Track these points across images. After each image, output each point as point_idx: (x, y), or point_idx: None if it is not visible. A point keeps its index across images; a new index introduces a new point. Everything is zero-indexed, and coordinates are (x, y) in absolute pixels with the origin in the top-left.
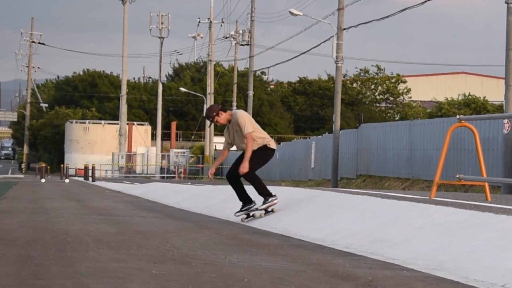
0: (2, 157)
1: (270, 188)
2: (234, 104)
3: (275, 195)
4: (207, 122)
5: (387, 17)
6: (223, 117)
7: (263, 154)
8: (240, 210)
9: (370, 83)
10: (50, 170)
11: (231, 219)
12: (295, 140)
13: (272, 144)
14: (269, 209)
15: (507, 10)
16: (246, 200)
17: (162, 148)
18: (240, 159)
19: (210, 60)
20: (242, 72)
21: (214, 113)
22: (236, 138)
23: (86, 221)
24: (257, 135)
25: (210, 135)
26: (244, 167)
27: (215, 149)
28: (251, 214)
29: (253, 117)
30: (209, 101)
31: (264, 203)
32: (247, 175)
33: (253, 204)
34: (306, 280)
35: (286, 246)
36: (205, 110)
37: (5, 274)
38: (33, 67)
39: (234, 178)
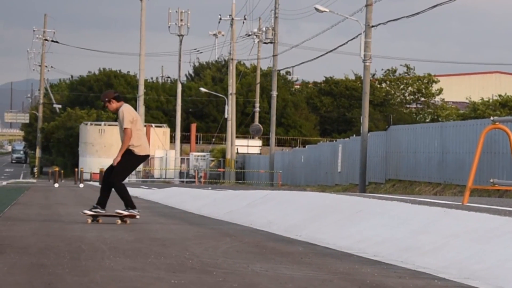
0: (13, 161)
1: (295, 193)
2: (257, 105)
3: (139, 212)
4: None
5: (417, 13)
6: (113, 106)
7: (126, 160)
8: (90, 209)
9: (399, 83)
10: (64, 174)
11: (254, 226)
12: (321, 143)
13: (141, 151)
14: (124, 219)
15: None
16: (102, 204)
17: (182, 152)
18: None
19: (232, 59)
20: (266, 71)
21: (107, 99)
22: (119, 131)
23: (101, 228)
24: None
25: (232, 138)
26: (115, 160)
27: (237, 152)
28: (98, 218)
29: (277, 119)
30: (231, 102)
31: (125, 210)
32: (114, 183)
33: (104, 211)
34: None
35: (311, 254)
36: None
37: (16, 284)
38: (46, 66)
39: (106, 181)
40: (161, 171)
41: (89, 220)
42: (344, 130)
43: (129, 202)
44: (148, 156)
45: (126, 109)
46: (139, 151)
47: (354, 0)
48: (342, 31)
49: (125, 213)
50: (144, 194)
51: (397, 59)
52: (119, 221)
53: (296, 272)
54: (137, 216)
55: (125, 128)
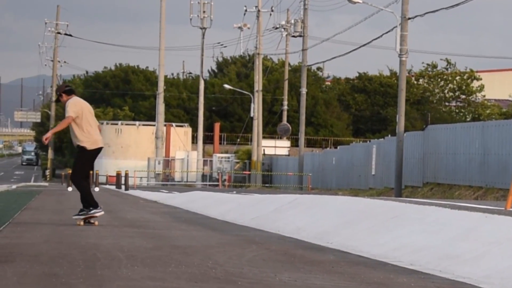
0: (24, 163)
1: (326, 197)
2: (285, 103)
3: (100, 207)
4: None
5: (457, 5)
6: (63, 99)
7: (81, 157)
8: (78, 214)
9: (438, 79)
10: None
11: (282, 233)
12: (354, 144)
13: (92, 145)
14: (91, 220)
15: None
16: (87, 204)
17: (204, 153)
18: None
19: (258, 54)
20: (294, 67)
21: (59, 92)
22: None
23: (118, 234)
24: (79, 131)
25: (258, 138)
26: (45, 136)
27: (264, 154)
28: (92, 220)
29: (306, 117)
30: (257, 99)
31: (80, 212)
32: (72, 179)
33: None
34: None
35: (343, 262)
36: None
37: None
38: (59, 61)
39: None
40: (182, 173)
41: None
42: (379, 130)
43: (90, 200)
44: (100, 148)
45: (72, 101)
46: (90, 146)
47: None
48: (377, 23)
49: (82, 217)
50: (164, 198)
51: (435, 53)
52: (82, 223)
53: (327, 282)
54: (97, 214)
55: (67, 116)
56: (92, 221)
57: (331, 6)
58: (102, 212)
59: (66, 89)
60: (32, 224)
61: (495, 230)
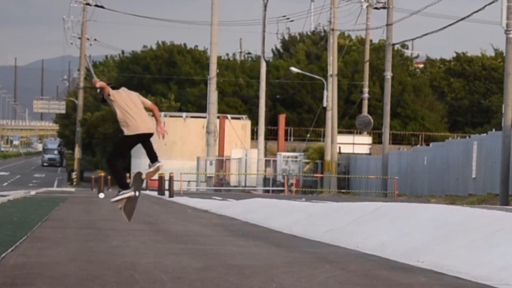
0: (45, 163)
1: (415, 206)
2: (366, 90)
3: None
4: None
5: None
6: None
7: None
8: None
9: None
10: (112, 181)
11: (362, 249)
12: (450, 140)
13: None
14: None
15: None
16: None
17: (266, 151)
18: None
19: (333, 30)
20: (377, 45)
21: (103, 94)
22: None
23: (161, 251)
24: None
25: (333, 133)
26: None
27: (340, 153)
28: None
29: (392, 108)
30: (332, 86)
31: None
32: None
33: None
34: None
35: (437, 286)
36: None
37: None
38: (88, 39)
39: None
40: (239, 177)
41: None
42: (480, 123)
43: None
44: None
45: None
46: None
47: None
48: None
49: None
50: (217, 207)
51: None
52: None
53: None
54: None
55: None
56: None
57: None
58: (132, 193)
59: (111, 85)
60: (55, 239)
61: None
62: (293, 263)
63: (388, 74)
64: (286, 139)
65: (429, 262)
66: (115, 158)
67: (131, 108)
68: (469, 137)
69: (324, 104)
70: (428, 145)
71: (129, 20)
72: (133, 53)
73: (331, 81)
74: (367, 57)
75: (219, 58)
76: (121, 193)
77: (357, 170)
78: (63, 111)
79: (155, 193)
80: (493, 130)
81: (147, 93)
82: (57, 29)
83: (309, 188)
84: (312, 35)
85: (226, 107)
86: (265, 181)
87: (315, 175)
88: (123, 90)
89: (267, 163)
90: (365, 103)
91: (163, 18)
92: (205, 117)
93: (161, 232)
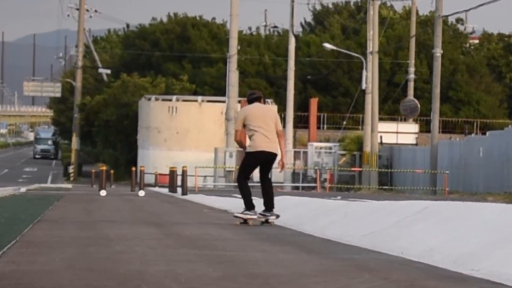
0: (37, 155)
1: (469, 205)
2: (411, 70)
3: (255, 213)
4: None
5: None
6: None
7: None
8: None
9: None
10: (115, 176)
11: (407, 255)
12: (510, 128)
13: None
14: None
15: None
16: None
17: (296, 141)
18: None
19: None
20: (424, 18)
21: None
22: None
23: (172, 258)
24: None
25: (373, 120)
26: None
27: (381, 143)
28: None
29: (442, 90)
30: (372, 65)
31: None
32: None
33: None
34: None
35: None
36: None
37: None
38: (87, 11)
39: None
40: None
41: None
42: None
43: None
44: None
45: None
46: (250, 149)
47: None
48: None
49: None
50: (238, 206)
51: None
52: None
53: None
54: (249, 222)
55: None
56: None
57: None
58: (255, 216)
59: (251, 97)
60: (48, 244)
61: None
62: (326, 272)
63: (438, 51)
64: (318, 127)
65: (485, 270)
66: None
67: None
68: None
69: (363, 86)
70: (484, 134)
71: None
72: (140, 27)
73: (371, 59)
74: (413, 31)
75: (240, 32)
76: (245, 212)
77: (401, 163)
78: (59, 95)
79: (165, 190)
80: None
81: (156, 74)
82: None
83: (345, 184)
84: (348, 5)
85: (249, 89)
86: (294, 176)
87: (353, 169)
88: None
89: (296, 155)
90: (411, 85)
91: None
92: (224, 102)
93: (172, 235)
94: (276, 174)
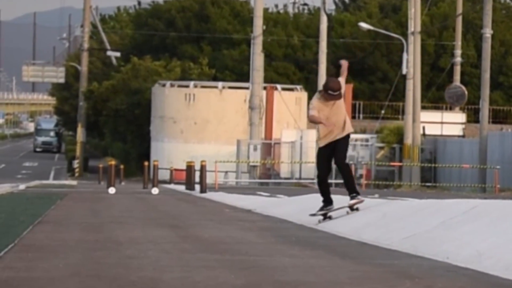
0: (38, 149)
1: None
2: (458, 52)
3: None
4: None
5: None
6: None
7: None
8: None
9: None
10: (125, 171)
11: (453, 261)
12: None
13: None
14: (355, 207)
15: None
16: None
17: None
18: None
19: None
20: None
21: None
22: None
23: (189, 264)
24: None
25: (415, 109)
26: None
27: (424, 134)
28: (328, 215)
29: (492, 75)
30: (413, 47)
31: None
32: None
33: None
34: None
35: None
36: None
37: None
38: None
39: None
40: (291, 166)
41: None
42: None
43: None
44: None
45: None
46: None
47: None
48: None
49: (353, 201)
50: (264, 205)
51: None
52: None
53: None
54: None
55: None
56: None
57: None
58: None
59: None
60: (50, 248)
61: None
62: (362, 279)
63: (488, 32)
64: (353, 117)
65: None
66: None
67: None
68: None
69: (404, 71)
70: None
71: None
72: (153, 4)
73: (413, 40)
74: (459, 9)
75: (265, 10)
76: (357, 197)
77: (446, 157)
78: (62, 80)
79: (182, 188)
80: None
81: (171, 57)
82: None
83: (383, 180)
84: None
85: (275, 75)
86: None
87: (392, 163)
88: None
89: None
90: (457, 70)
91: None
92: (247, 88)
93: (189, 238)
94: (305, 170)
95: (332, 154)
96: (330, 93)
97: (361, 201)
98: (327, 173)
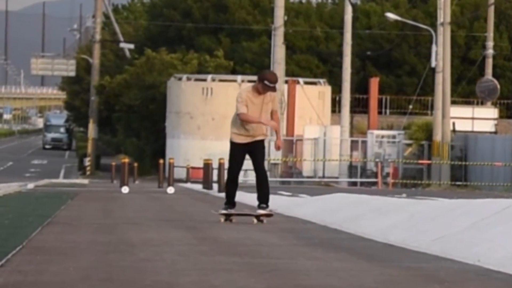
0: (47, 146)
1: None
2: (490, 44)
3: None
4: None
5: None
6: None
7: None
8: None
9: None
10: (139, 170)
11: (485, 264)
12: None
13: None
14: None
15: None
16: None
17: (353, 129)
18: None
19: None
20: None
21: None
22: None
23: (207, 267)
24: None
25: (444, 104)
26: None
27: (454, 130)
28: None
29: None
30: (443, 38)
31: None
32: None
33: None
34: None
35: None
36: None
37: None
38: None
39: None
40: (315, 164)
41: (222, 220)
42: None
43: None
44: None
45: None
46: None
47: None
48: None
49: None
50: (285, 205)
51: None
52: (255, 220)
53: None
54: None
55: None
56: None
57: None
58: None
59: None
60: (60, 250)
61: None
62: (389, 283)
63: None
64: (380, 112)
65: None
66: None
67: None
68: None
69: (433, 64)
70: None
71: None
72: None
73: (442, 32)
74: None
75: (287, 0)
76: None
77: (477, 155)
78: (73, 74)
79: (199, 187)
80: None
81: (187, 49)
82: None
83: (411, 179)
84: None
85: (297, 68)
86: (351, 170)
87: (420, 161)
88: None
89: (353, 145)
90: (489, 63)
91: None
92: None
93: (207, 240)
94: (329, 168)
95: (246, 154)
96: (266, 83)
97: (271, 215)
98: (239, 172)
